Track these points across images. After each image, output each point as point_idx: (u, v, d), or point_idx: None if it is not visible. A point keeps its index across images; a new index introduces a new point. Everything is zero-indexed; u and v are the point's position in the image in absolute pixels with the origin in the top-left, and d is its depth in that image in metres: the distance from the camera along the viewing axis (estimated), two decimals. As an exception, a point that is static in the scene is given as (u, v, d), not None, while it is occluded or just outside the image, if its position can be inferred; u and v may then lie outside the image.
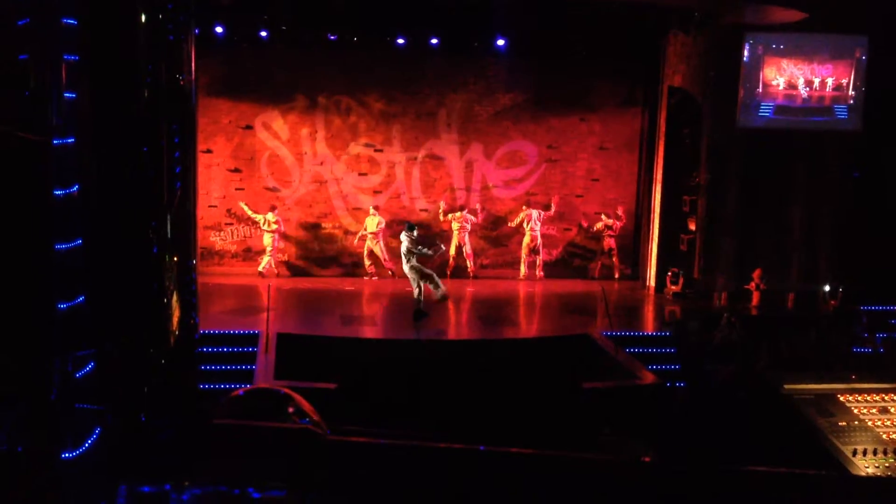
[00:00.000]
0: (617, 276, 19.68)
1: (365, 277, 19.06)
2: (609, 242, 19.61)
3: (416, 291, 14.93)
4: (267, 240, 18.73)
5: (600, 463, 3.23)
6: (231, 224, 19.28)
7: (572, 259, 20.27)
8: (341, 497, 2.91)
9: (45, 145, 5.41)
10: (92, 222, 5.87)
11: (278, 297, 16.71)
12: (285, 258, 19.29)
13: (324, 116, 19.33)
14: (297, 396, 3.40)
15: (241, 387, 4.83)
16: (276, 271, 18.88)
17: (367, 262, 19.08)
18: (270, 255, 18.78)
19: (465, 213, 19.31)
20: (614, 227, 19.55)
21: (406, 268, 14.87)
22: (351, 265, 19.31)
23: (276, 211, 18.77)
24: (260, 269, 18.79)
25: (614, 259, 19.69)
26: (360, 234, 18.98)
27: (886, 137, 17.27)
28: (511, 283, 19.37)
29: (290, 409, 3.33)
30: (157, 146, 7.14)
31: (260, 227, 18.79)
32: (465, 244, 19.36)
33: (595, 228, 19.73)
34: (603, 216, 19.61)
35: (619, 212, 19.72)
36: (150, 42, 7.03)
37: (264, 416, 3.28)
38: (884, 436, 9.96)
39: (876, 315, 16.19)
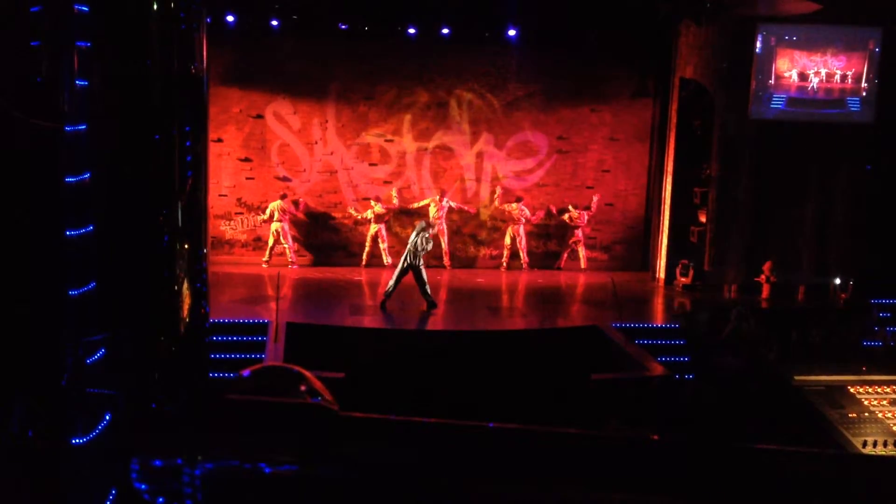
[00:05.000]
0: (584, 266, 19.66)
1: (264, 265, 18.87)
2: (575, 233, 19.63)
3: (392, 284, 15.11)
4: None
5: (609, 439, 3.24)
6: (241, 213, 19.33)
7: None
8: (353, 472, 2.93)
9: (57, 132, 5.42)
10: (103, 210, 5.89)
11: (287, 286, 16.77)
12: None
13: (334, 106, 19.33)
14: (310, 375, 3.41)
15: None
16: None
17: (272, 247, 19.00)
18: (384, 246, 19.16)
19: (520, 204, 19.35)
20: (580, 219, 19.51)
21: (413, 261, 14.91)
22: (360, 255, 19.32)
23: (379, 201, 19.10)
24: (386, 260, 19.03)
25: (580, 248, 19.69)
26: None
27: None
28: (519, 273, 19.39)
29: (303, 388, 3.34)
30: (168, 135, 7.15)
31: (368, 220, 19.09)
32: (519, 236, 19.44)
33: (561, 218, 19.72)
34: (570, 207, 19.59)
35: (594, 201, 19.59)
36: (161, 30, 7.03)
37: (277, 392, 3.30)
38: (894, 427, 9.95)
39: (887, 308, 16.15)
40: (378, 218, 18.98)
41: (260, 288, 16.86)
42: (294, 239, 19.10)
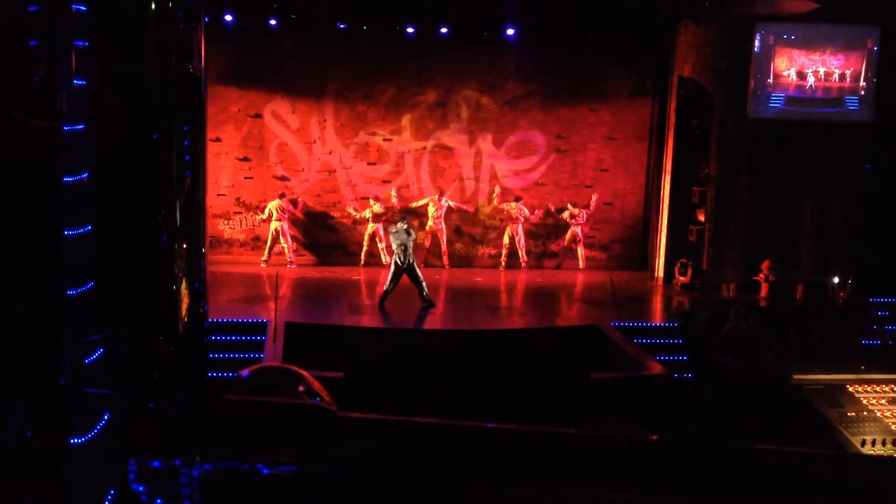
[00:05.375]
0: (583, 266, 19.67)
1: (263, 264, 18.85)
2: (574, 232, 19.62)
3: (389, 285, 15.10)
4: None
5: (608, 439, 3.23)
6: (240, 213, 19.32)
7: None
8: (352, 473, 2.92)
9: (55, 132, 5.41)
10: (102, 209, 5.88)
11: (286, 285, 16.76)
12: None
13: (333, 105, 19.32)
14: (308, 375, 3.41)
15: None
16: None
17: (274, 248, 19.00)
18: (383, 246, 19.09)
19: (520, 204, 19.35)
20: (579, 218, 19.50)
21: (404, 260, 14.90)
22: (359, 254, 19.30)
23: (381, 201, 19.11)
24: (385, 259, 18.86)
25: (579, 247, 19.69)
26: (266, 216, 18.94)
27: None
28: (518, 272, 19.39)
29: (301, 388, 3.34)
30: (167, 134, 7.14)
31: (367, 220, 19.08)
32: (517, 235, 19.43)
33: (560, 217, 19.72)
34: (569, 205, 19.58)
35: (593, 199, 19.60)
36: (159, 30, 7.02)
37: (275, 393, 3.29)
38: (893, 426, 9.94)
39: (885, 307, 16.15)
40: (376, 217, 18.97)
41: (258, 287, 16.85)
42: (293, 238, 19.09)
